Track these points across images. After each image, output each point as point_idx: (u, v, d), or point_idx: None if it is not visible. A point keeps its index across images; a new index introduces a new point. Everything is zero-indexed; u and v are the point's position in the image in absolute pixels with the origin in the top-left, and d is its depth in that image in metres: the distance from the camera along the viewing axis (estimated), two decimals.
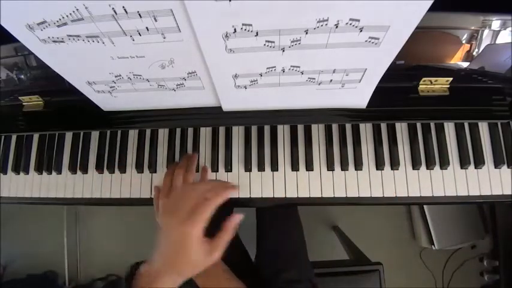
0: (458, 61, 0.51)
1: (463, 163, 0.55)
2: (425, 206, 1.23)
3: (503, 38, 0.47)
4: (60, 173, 0.64)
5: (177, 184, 0.54)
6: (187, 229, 0.42)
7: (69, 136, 0.65)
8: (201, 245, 0.43)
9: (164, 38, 0.39)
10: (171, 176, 0.55)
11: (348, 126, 0.59)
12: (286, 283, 0.64)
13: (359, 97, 0.52)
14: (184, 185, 0.50)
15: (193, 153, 0.60)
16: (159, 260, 0.43)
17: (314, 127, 0.59)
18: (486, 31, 0.46)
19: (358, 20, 0.36)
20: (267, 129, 0.60)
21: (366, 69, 0.45)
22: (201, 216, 0.43)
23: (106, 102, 0.56)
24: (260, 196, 0.57)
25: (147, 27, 0.38)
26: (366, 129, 0.58)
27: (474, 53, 0.49)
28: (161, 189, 0.56)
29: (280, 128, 0.60)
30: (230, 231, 0.46)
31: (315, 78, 0.47)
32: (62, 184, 0.63)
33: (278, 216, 0.76)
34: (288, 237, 0.73)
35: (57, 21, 0.37)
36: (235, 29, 0.37)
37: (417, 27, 0.36)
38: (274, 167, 0.58)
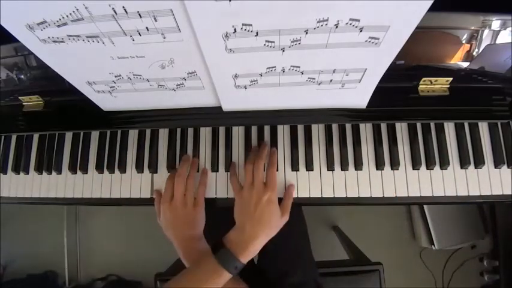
0: (458, 61, 0.51)
1: (463, 163, 0.55)
2: (425, 206, 1.23)
3: (503, 38, 0.47)
4: (60, 173, 0.64)
5: (177, 196, 0.55)
6: (270, 197, 0.51)
7: (69, 136, 0.65)
8: (277, 209, 0.52)
9: (164, 38, 0.39)
10: (173, 183, 0.56)
11: (348, 126, 0.59)
12: (292, 287, 0.64)
13: (359, 97, 0.52)
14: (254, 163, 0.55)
15: (193, 158, 0.60)
16: (250, 226, 0.50)
17: (314, 127, 0.59)
18: (486, 31, 0.46)
19: (358, 20, 0.36)
20: (267, 129, 0.60)
21: (366, 69, 0.45)
22: (273, 183, 0.53)
23: (106, 102, 0.56)
24: None
25: (147, 27, 0.38)
26: (366, 129, 0.58)
27: (474, 53, 0.49)
28: (163, 194, 0.56)
29: (280, 128, 0.60)
30: (292, 196, 0.56)
31: (315, 78, 0.47)
32: (62, 184, 0.63)
33: None
34: (291, 237, 0.72)
35: (57, 21, 0.37)
36: (235, 29, 0.37)
37: (417, 27, 0.36)
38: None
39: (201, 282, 0.47)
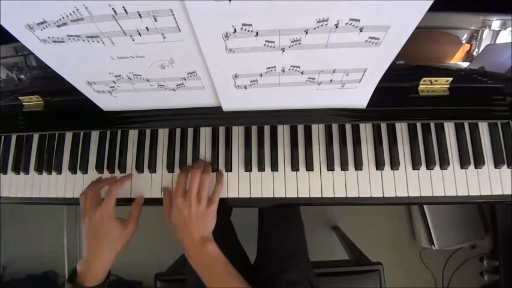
0: (458, 61, 0.51)
1: (463, 163, 0.55)
2: (425, 206, 1.23)
3: (503, 38, 0.47)
4: (60, 173, 0.64)
5: (192, 191, 0.53)
6: (101, 213, 0.53)
7: (69, 136, 0.65)
8: (114, 223, 0.54)
9: (164, 38, 0.39)
10: (186, 177, 0.55)
11: (348, 126, 0.59)
12: (286, 284, 0.64)
13: (359, 97, 0.52)
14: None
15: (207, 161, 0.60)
16: (89, 246, 0.53)
17: (314, 127, 0.59)
18: (486, 31, 0.46)
19: (358, 20, 0.36)
20: (267, 129, 0.60)
21: (366, 69, 0.45)
22: (110, 199, 0.55)
23: (106, 102, 0.56)
24: (260, 196, 0.57)
25: (147, 27, 0.38)
26: (366, 129, 0.58)
27: (474, 53, 0.49)
28: (175, 189, 0.55)
29: (280, 128, 0.60)
30: (137, 205, 0.59)
31: (315, 78, 0.47)
32: (62, 184, 0.63)
33: (279, 217, 0.76)
34: (288, 238, 0.73)
35: (57, 21, 0.37)
36: (235, 29, 0.37)
37: (417, 27, 0.36)
38: (274, 167, 0.58)
39: None
